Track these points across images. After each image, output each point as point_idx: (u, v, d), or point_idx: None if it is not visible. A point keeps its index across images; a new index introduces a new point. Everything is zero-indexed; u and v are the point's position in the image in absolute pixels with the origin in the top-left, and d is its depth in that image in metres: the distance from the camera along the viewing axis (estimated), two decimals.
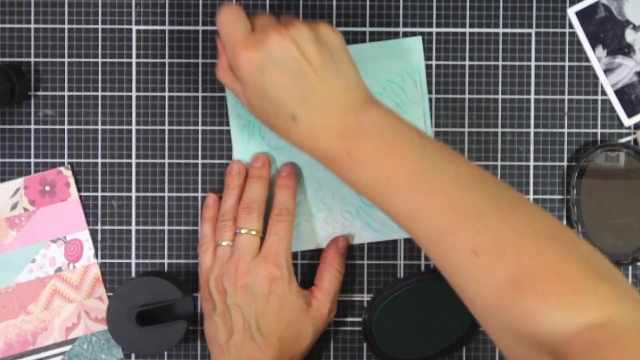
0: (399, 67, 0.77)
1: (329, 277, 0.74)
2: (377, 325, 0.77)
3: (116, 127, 0.78)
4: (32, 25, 0.78)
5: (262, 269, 0.70)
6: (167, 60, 0.78)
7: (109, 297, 0.78)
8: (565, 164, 0.78)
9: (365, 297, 0.78)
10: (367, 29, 0.78)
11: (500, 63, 0.78)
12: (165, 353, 0.79)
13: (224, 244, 0.72)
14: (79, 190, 0.78)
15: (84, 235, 0.78)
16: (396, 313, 0.77)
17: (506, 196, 0.61)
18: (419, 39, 0.77)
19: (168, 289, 0.74)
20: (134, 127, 0.78)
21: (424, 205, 0.61)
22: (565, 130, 0.78)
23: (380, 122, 0.63)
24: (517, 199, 0.62)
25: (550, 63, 0.78)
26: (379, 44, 0.77)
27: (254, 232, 0.72)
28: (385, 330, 0.77)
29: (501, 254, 0.57)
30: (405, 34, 0.78)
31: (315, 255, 0.78)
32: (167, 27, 0.78)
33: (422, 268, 0.78)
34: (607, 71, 0.77)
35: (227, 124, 0.78)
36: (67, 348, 0.78)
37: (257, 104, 0.66)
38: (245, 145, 0.77)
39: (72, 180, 0.78)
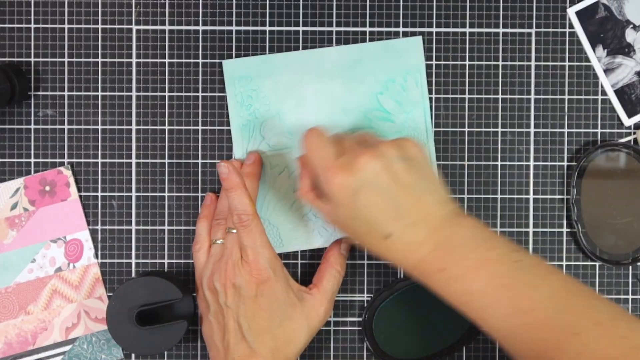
0: (400, 67, 0.77)
1: (328, 277, 0.74)
2: (377, 325, 0.77)
3: (116, 127, 0.78)
4: (32, 25, 0.78)
5: (246, 273, 0.70)
6: (167, 60, 0.78)
7: (109, 297, 0.78)
8: (565, 164, 0.78)
9: (365, 297, 0.78)
10: (367, 29, 0.78)
11: (500, 63, 0.78)
12: (165, 353, 0.79)
13: (218, 242, 0.73)
14: (79, 190, 0.78)
15: (84, 235, 0.78)
16: (396, 313, 0.77)
17: (604, 309, 0.61)
18: (419, 38, 0.77)
19: (168, 289, 0.74)
20: (134, 127, 0.78)
21: (522, 324, 0.61)
22: (565, 130, 0.78)
23: (471, 236, 0.64)
24: (615, 311, 0.61)
25: (550, 63, 0.78)
26: (380, 44, 0.77)
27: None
28: (385, 330, 0.77)
29: None
30: (405, 34, 0.78)
31: (316, 255, 0.78)
32: (167, 27, 0.78)
33: None
34: (607, 71, 0.77)
35: (228, 124, 0.78)
36: (67, 348, 0.78)
37: (348, 224, 0.66)
38: (245, 145, 0.77)
39: (72, 180, 0.78)
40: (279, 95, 0.77)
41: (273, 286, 0.70)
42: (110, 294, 0.78)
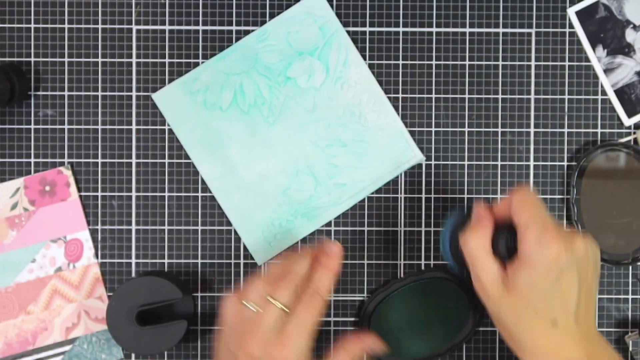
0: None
1: None
2: (373, 325, 0.77)
3: (116, 127, 0.78)
4: (32, 25, 0.78)
5: (272, 347, 0.64)
6: (167, 60, 0.78)
7: (109, 297, 0.78)
8: (565, 164, 0.78)
9: (365, 297, 0.78)
10: (367, 29, 0.78)
11: (500, 63, 0.78)
12: (165, 353, 0.79)
13: (250, 306, 0.66)
14: (79, 190, 0.78)
15: (84, 235, 0.78)
16: (392, 314, 0.77)
17: None
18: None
19: (168, 289, 0.74)
20: (134, 127, 0.78)
21: None
22: (565, 130, 0.78)
23: (608, 354, 0.65)
24: None
25: (550, 63, 0.78)
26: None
27: (279, 305, 0.65)
28: (381, 330, 0.77)
29: None
30: (405, 34, 0.78)
31: None
32: (167, 27, 0.78)
33: (423, 268, 0.78)
34: (607, 71, 0.77)
35: None
36: (67, 348, 0.78)
37: (523, 294, 0.63)
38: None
39: (72, 180, 0.78)
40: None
41: None
42: (110, 293, 0.78)
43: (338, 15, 0.77)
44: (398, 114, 0.77)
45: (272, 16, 0.77)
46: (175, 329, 0.74)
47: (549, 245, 0.62)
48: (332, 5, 0.77)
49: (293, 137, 0.77)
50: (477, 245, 0.64)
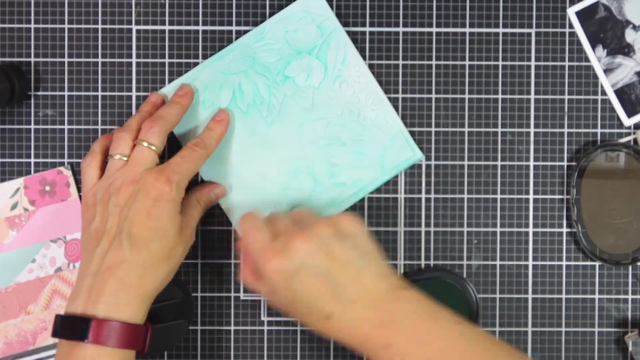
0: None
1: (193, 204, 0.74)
2: None
3: (116, 127, 0.78)
4: (32, 25, 0.78)
5: (151, 179, 0.67)
6: (167, 60, 0.78)
7: None
8: (565, 164, 0.78)
9: None
10: (367, 29, 0.78)
11: (500, 63, 0.78)
12: (165, 353, 0.79)
13: (116, 157, 0.70)
14: (79, 190, 0.78)
15: None
16: None
17: None
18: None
19: (168, 289, 0.74)
20: None
21: None
22: (565, 130, 0.78)
23: (414, 310, 0.63)
24: None
25: (550, 63, 0.78)
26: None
27: (153, 147, 0.69)
28: None
29: None
30: (405, 34, 0.78)
31: None
32: (167, 27, 0.78)
33: (422, 267, 0.78)
34: (607, 71, 0.77)
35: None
36: None
37: (288, 306, 0.66)
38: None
39: (72, 180, 0.78)
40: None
41: (170, 203, 0.68)
42: None
43: (338, 15, 0.77)
44: (398, 113, 0.77)
45: (272, 16, 0.77)
46: (175, 329, 0.74)
47: (265, 266, 0.64)
48: (332, 5, 0.77)
49: (292, 137, 0.77)
50: (246, 281, 0.70)
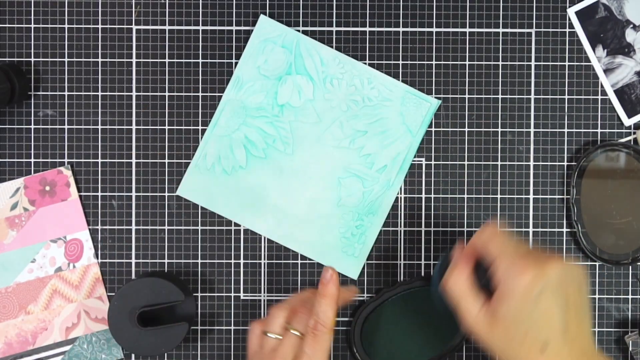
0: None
1: None
2: (363, 335, 0.77)
3: (116, 127, 0.78)
4: (32, 25, 0.78)
5: None
6: (167, 60, 0.78)
7: (109, 297, 0.78)
8: (565, 164, 0.78)
9: (366, 297, 0.78)
10: (367, 29, 0.78)
11: (500, 63, 0.78)
12: (166, 354, 0.79)
13: (272, 336, 0.70)
14: (79, 190, 0.78)
15: (84, 235, 0.78)
16: (383, 323, 0.77)
17: None
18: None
19: (170, 291, 0.74)
20: (134, 127, 0.78)
21: None
22: (565, 130, 0.78)
23: None
24: None
25: (550, 63, 0.78)
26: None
27: (298, 334, 0.69)
28: (372, 340, 0.76)
29: None
30: (405, 34, 0.78)
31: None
32: (167, 27, 0.78)
33: (422, 269, 0.78)
34: (607, 71, 0.77)
35: None
36: (67, 348, 0.78)
37: (509, 326, 0.64)
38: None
39: (72, 180, 0.78)
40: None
41: None
42: (111, 293, 0.78)
43: (338, 15, 0.77)
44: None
45: (272, 16, 0.77)
46: (177, 330, 0.74)
47: (520, 273, 0.62)
48: (332, 6, 0.77)
49: (317, 153, 0.77)
50: (456, 286, 0.65)
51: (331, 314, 0.68)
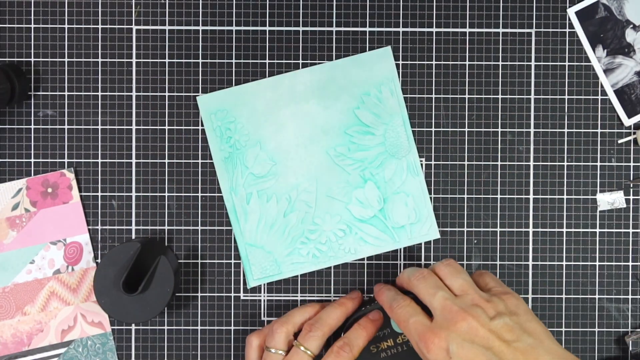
0: (373, 79, 0.77)
1: None
2: None
3: (116, 127, 0.78)
4: (32, 25, 0.78)
5: None
6: (167, 60, 0.78)
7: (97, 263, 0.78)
8: (565, 164, 0.78)
9: (366, 297, 0.78)
10: (367, 29, 0.78)
11: (500, 63, 0.78)
12: (165, 353, 0.78)
13: (277, 352, 0.72)
14: (79, 190, 0.78)
15: (84, 239, 0.78)
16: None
17: None
18: (388, 49, 0.77)
19: (156, 255, 0.73)
20: (134, 127, 0.78)
21: None
22: (565, 130, 0.78)
23: None
24: None
25: (550, 63, 0.78)
26: (349, 59, 0.77)
27: (309, 352, 0.70)
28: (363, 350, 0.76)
29: None
30: (405, 34, 0.78)
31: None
32: (167, 27, 0.78)
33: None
34: (607, 71, 0.77)
35: None
36: (62, 350, 0.78)
37: None
38: (231, 177, 0.77)
39: (74, 183, 0.78)
40: (256, 124, 0.78)
41: None
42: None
43: (338, 15, 0.78)
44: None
45: (271, 16, 0.78)
46: (161, 295, 0.72)
47: (428, 349, 0.63)
48: (332, 6, 0.78)
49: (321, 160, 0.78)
50: (401, 310, 0.67)
51: (362, 342, 0.70)
